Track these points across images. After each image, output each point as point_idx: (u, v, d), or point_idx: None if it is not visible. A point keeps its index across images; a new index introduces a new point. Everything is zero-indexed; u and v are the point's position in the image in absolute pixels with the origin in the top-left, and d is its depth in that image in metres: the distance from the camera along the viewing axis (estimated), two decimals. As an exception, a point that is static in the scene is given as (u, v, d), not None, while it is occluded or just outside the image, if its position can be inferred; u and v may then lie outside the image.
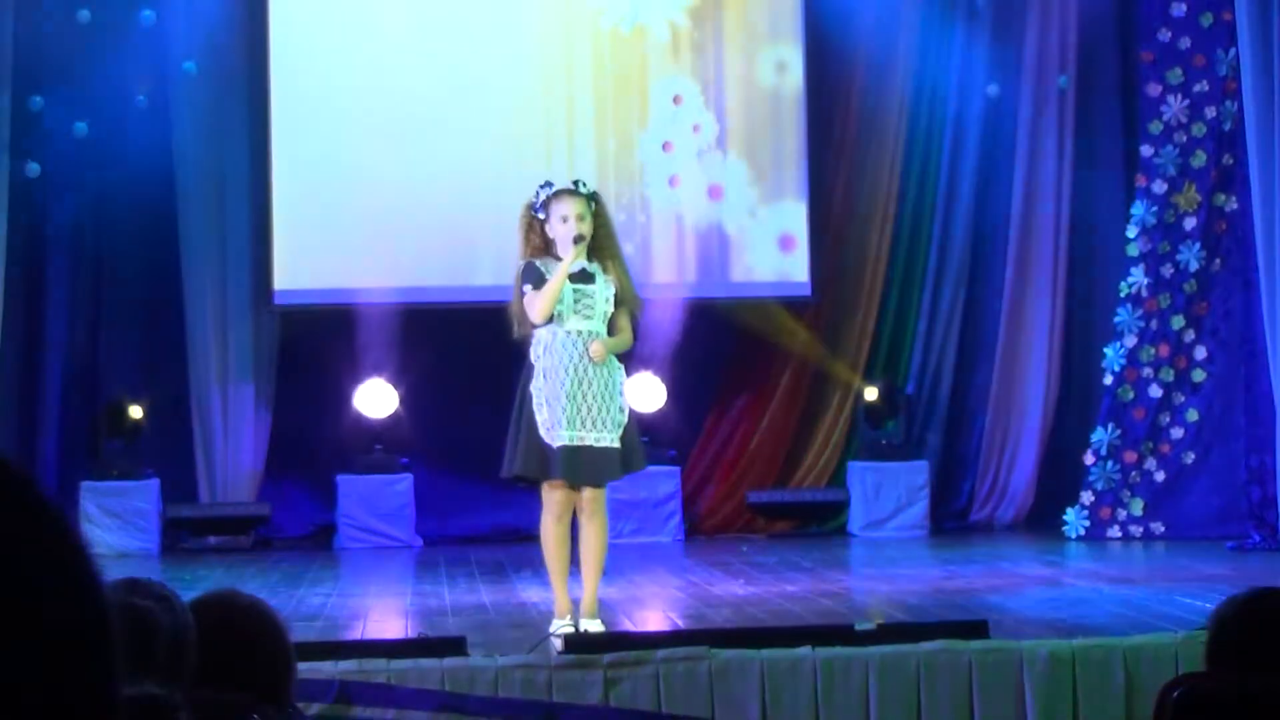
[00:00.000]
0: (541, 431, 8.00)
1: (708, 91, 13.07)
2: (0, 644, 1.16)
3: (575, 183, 8.24)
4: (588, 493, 8.09)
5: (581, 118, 12.92)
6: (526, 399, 8.09)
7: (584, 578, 8.13)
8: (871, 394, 13.25)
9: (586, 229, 8.07)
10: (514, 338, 8.23)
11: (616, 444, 8.05)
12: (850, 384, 13.36)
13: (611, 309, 8.13)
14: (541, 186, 8.22)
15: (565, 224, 8.05)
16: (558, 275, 8.00)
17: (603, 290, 8.10)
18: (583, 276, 8.09)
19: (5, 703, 1.16)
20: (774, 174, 13.12)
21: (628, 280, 8.22)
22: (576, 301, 8.07)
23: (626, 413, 8.17)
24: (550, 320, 8.06)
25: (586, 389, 8.02)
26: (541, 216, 8.14)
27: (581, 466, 8.02)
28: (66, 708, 1.19)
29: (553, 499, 8.12)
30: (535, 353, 8.11)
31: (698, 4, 13.06)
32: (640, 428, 12.77)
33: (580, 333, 8.07)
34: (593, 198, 8.18)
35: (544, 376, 8.04)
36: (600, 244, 8.15)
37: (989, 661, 7.05)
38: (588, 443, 8.00)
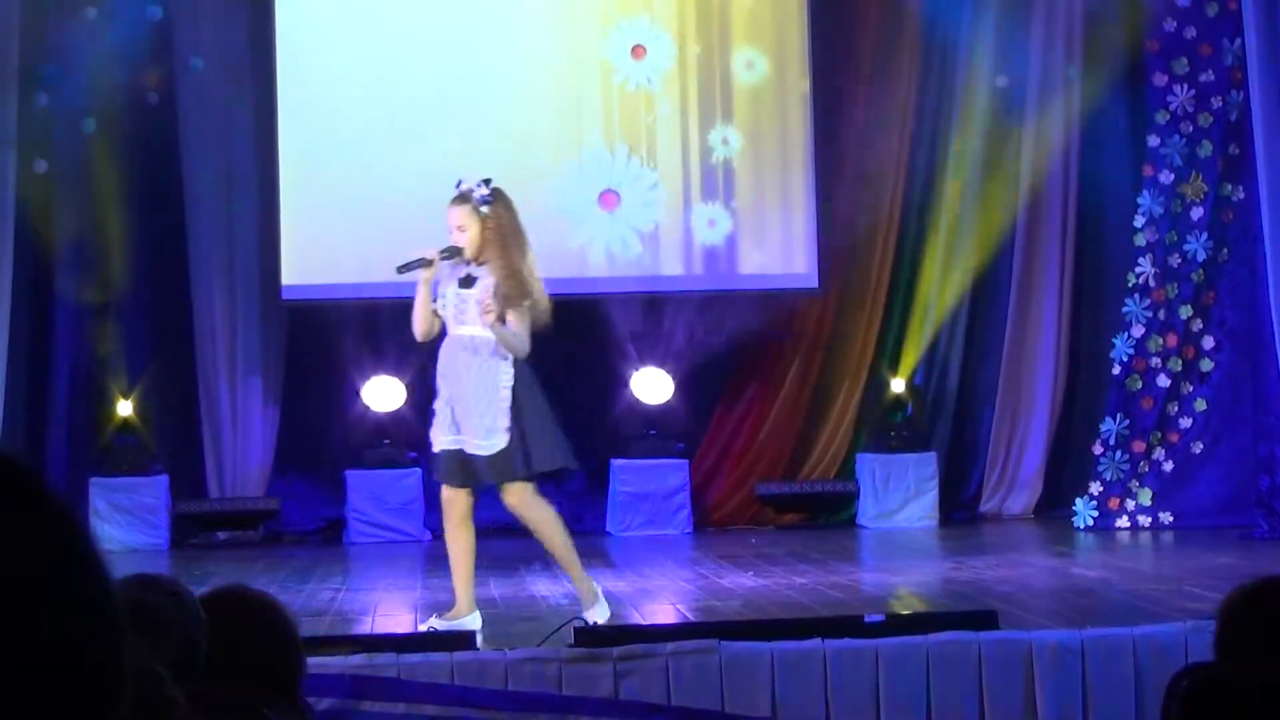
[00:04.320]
0: (431, 434, 8.15)
1: (716, 85, 13.07)
2: (9, 640, 1.17)
3: (467, 187, 8.22)
4: (505, 496, 8.18)
5: (589, 113, 12.93)
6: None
7: (562, 570, 8.22)
8: (880, 385, 13.27)
9: (465, 240, 8.09)
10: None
11: (486, 451, 8.05)
12: (858, 376, 13.37)
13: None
14: (457, 185, 8.28)
15: (450, 234, 8.13)
16: (416, 302, 8.13)
17: (480, 295, 8.08)
18: (466, 281, 8.13)
19: (14, 697, 1.16)
20: (781, 167, 13.11)
21: (511, 279, 8.11)
22: (456, 307, 8.12)
23: (504, 418, 8.08)
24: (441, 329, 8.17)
25: (462, 395, 8.07)
26: None
27: (453, 469, 8.13)
28: (74, 703, 1.20)
29: (444, 500, 8.20)
30: None
31: (704, 4, 13.08)
32: (649, 421, 12.89)
33: (459, 339, 8.12)
34: (482, 202, 8.15)
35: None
36: (485, 244, 8.13)
37: (998, 652, 7.06)
38: (463, 448, 8.08)
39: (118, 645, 1.24)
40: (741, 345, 13.38)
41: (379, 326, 12.81)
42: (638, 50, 12.98)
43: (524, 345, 8.12)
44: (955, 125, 13.29)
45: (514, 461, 8.11)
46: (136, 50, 12.49)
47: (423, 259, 8.07)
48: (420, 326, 8.17)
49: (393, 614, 9.00)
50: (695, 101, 13.04)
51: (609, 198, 12.91)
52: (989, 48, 13.25)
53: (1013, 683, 7.02)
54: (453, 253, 8.10)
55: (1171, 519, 12.31)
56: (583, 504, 13.13)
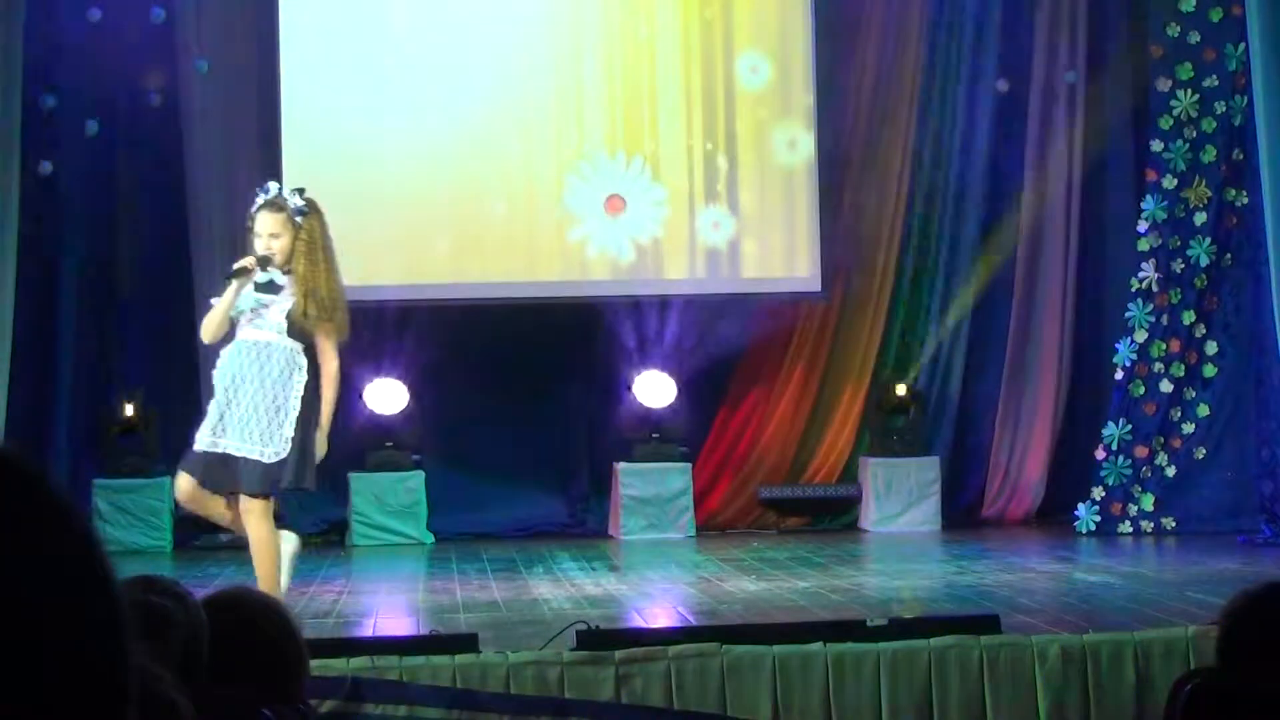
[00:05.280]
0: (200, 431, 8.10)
1: (720, 89, 13.07)
2: (14, 638, 1.17)
3: (279, 192, 8.17)
4: (242, 502, 8.09)
5: (592, 117, 12.92)
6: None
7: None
8: (883, 389, 13.27)
9: (277, 248, 8.04)
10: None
11: (260, 458, 8.00)
12: (861, 380, 13.36)
13: (286, 322, 8.06)
14: (261, 190, 8.23)
15: (259, 240, 8.06)
16: (220, 305, 8.04)
17: (282, 303, 8.05)
18: (269, 287, 8.06)
19: (19, 697, 1.16)
20: (785, 170, 13.12)
21: (317, 297, 8.05)
22: (253, 311, 8.05)
23: (290, 427, 8.04)
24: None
25: (243, 398, 8.00)
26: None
27: (216, 472, 8.03)
28: (80, 703, 1.20)
29: (190, 498, 8.16)
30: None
31: (707, 8, 13.08)
32: (652, 425, 12.88)
33: (252, 342, 8.06)
34: (298, 213, 8.10)
35: (213, 379, 8.13)
36: (295, 256, 8.08)
37: (1000, 656, 7.05)
38: (227, 450, 7.99)
39: (123, 647, 1.24)
40: (744, 349, 13.39)
41: (382, 329, 12.81)
42: (642, 55, 12.98)
43: (336, 374, 8.13)
44: (958, 129, 13.29)
45: (285, 473, 8.09)
46: (140, 52, 12.49)
47: (244, 267, 8.01)
48: (217, 331, 8.09)
49: (395, 617, 9.00)
50: (699, 105, 13.04)
51: (614, 202, 12.91)
52: (992, 52, 13.25)
53: (1015, 687, 7.02)
54: (265, 261, 8.03)
55: (1174, 524, 12.31)
56: (586, 507, 13.15)
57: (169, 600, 3.45)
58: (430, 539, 12.57)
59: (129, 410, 12.54)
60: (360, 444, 12.76)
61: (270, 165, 12.64)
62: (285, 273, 8.07)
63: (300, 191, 8.17)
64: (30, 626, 1.18)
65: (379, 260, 12.63)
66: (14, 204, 12.17)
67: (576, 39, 12.95)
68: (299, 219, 8.08)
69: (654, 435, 12.98)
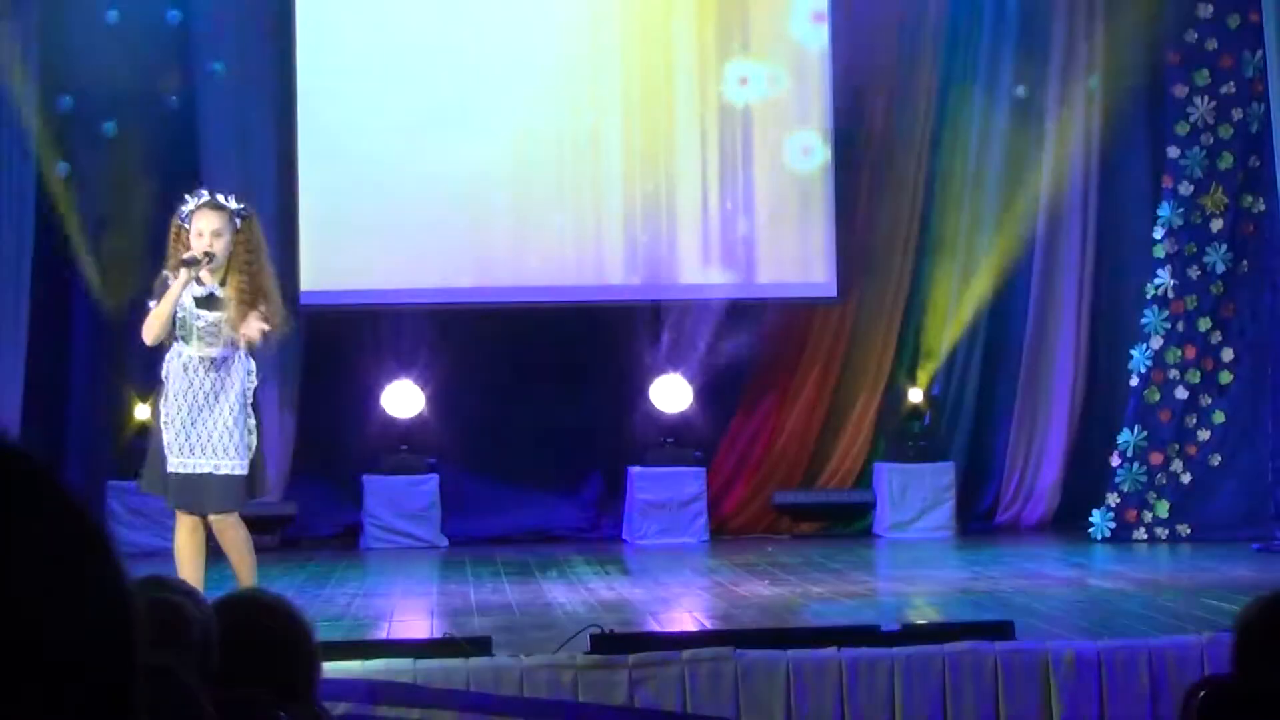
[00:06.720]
0: (165, 452, 7.97)
1: (735, 92, 13.07)
2: (20, 636, 1.17)
3: (218, 196, 8.11)
4: (219, 517, 8.00)
5: (609, 119, 12.93)
6: (157, 416, 8.08)
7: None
8: (898, 395, 13.26)
9: (219, 247, 7.97)
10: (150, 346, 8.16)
11: (236, 471, 7.95)
12: (876, 385, 13.35)
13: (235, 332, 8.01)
14: (194, 195, 8.16)
15: (200, 239, 7.96)
16: (167, 298, 7.91)
17: (230, 314, 7.97)
18: (209, 301, 7.99)
19: (22, 696, 1.16)
20: (800, 176, 13.11)
21: (255, 302, 7.95)
22: (199, 327, 7.97)
23: (255, 436, 8.01)
24: (175, 341, 7.99)
25: (206, 416, 7.92)
26: (188, 227, 8.05)
27: (191, 494, 7.94)
28: (85, 702, 1.20)
29: (180, 515, 8.04)
30: (165, 371, 8.06)
31: (724, 17, 13.08)
32: (666, 429, 12.89)
33: (202, 359, 7.97)
34: (238, 215, 8.06)
35: (167, 398, 8.00)
36: (235, 264, 8.02)
37: (1015, 662, 7.05)
38: (203, 470, 7.92)
39: (131, 643, 1.24)
40: (760, 354, 13.38)
41: (398, 333, 12.83)
42: (660, 63, 12.98)
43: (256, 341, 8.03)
44: (975, 135, 13.28)
45: (254, 482, 8.06)
46: (156, 54, 12.50)
47: (195, 258, 7.89)
48: (161, 331, 7.97)
49: (409, 619, 9.00)
50: (715, 113, 13.04)
51: (630, 208, 12.91)
52: (1009, 58, 13.24)
53: (1029, 693, 7.01)
54: (210, 258, 7.96)
55: (1189, 531, 12.28)
56: (600, 512, 13.15)
57: (182, 597, 3.46)
58: (444, 542, 12.58)
59: (143, 412, 12.54)
60: (375, 447, 12.78)
61: (286, 167, 12.67)
62: (222, 284, 8.01)
63: (234, 197, 8.16)
64: (37, 624, 1.18)
65: (394, 263, 12.64)
66: (30, 205, 12.20)
67: (594, 45, 12.95)
68: (239, 221, 8.07)
69: (668, 440, 12.98)
